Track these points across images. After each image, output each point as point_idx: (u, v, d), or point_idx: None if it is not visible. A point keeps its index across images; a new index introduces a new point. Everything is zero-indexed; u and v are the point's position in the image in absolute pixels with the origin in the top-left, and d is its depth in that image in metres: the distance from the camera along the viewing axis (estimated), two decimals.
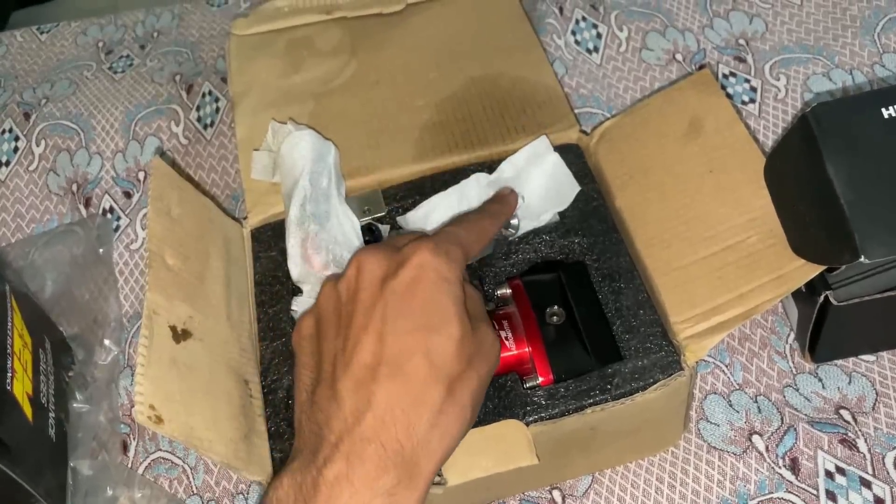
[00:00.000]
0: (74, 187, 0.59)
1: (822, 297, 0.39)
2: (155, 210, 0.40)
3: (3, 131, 0.62)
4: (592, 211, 0.45)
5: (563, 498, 0.42)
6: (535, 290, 0.42)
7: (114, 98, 0.64)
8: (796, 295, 0.43)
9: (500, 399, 0.38)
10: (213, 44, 0.68)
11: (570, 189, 0.46)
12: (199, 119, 0.61)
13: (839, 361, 0.44)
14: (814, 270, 0.37)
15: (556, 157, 0.46)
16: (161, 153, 0.59)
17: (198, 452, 0.36)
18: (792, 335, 0.45)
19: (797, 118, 0.37)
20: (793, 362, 0.45)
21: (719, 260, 0.39)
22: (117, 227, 0.56)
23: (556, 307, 0.41)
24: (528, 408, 0.38)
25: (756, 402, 0.43)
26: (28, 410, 0.42)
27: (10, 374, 0.41)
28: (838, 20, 0.58)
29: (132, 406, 0.48)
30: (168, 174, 0.42)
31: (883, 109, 0.35)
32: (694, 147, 0.43)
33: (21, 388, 0.42)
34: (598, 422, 0.38)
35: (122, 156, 0.60)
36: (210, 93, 0.63)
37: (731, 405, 0.43)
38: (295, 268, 0.43)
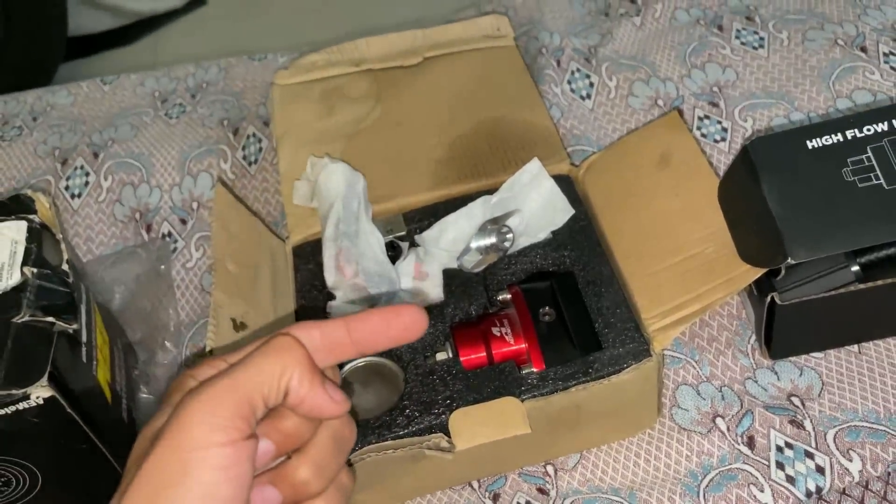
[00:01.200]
0: (137, 215, 0.68)
1: (769, 298, 0.47)
2: (218, 226, 0.49)
3: (76, 168, 0.72)
4: (580, 230, 0.53)
5: (556, 471, 0.49)
6: (531, 294, 0.50)
7: (170, 140, 0.73)
8: (752, 298, 0.51)
9: (500, 382, 0.46)
10: (256, 93, 0.78)
11: (563, 212, 0.54)
12: (244, 157, 0.71)
13: (793, 358, 0.52)
14: (756, 273, 0.45)
15: (551, 183, 0.54)
16: (221, 182, 0.68)
17: None
18: (753, 337, 0.53)
19: (741, 149, 0.46)
20: (753, 359, 0.52)
21: (682, 267, 0.48)
22: (175, 249, 0.65)
23: (548, 308, 0.49)
24: (523, 388, 0.46)
25: (721, 391, 0.51)
26: (108, 395, 0.50)
27: (94, 363, 0.49)
28: (799, 70, 0.67)
29: None
30: (228, 198, 0.51)
31: (808, 142, 0.44)
32: (663, 176, 0.52)
33: (103, 375, 0.50)
34: (582, 400, 0.46)
35: (178, 188, 0.69)
36: (254, 134, 0.72)
37: (699, 394, 0.51)
38: (330, 276, 0.52)
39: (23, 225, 0.49)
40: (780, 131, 0.45)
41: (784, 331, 0.49)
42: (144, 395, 0.56)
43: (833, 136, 0.43)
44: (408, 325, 0.33)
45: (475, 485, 0.50)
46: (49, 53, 1.65)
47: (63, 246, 0.50)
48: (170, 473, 0.28)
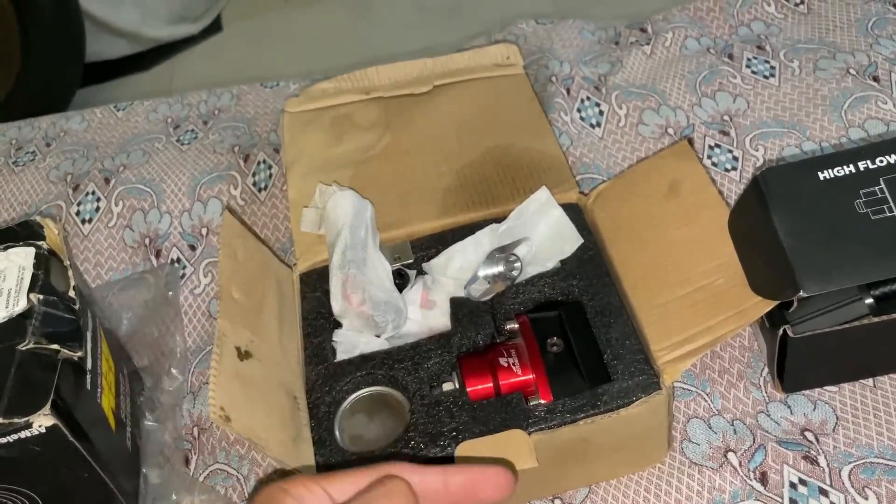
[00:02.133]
0: (147, 241, 0.68)
1: (781, 331, 0.46)
2: (224, 254, 0.48)
3: (87, 193, 0.73)
4: (589, 259, 0.52)
5: None
6: (539, 324, 0.50)
7: (181, 166, 0.74)
8: (764, 330, 0.50)
9: (507, 413, 0.46)
10: (267, 119, 0.78)
11: (572, 241, 0.53)
12: (254, 184, 0.71)
13: (806, 391, 0.51)
14: (768, 305, 0.44)
15: (560, 212, 0.54)
16: (230, 209, 0.68)
17: (255, 448, 0.44)
18: (765, 369, 0.52)
19: (751, 180, 0.45)
20: (766, 392, 0.51)
21: (691, 298, 0.47)
22: (183, 275, 0.65)
23: (555, 338, 0.49)
24: (530, 420, 0.45)
25: (732, 425, 0.50)
26: (112, 422, 0.50)
27: (99, 391, 0.49)
28: (810, 99, 0.67)
29: (194, 425, 0.56)
30: (235, 226, 0.51)
31: (819, 173, 0.43)
32: (672, 205, 0.51)
33: (107, 402, 0.50)
34: (590, 433, 0.45)
35: (189, 214, 0.69)
36: (264, 161, 0.73)
37: (710, 427, 0.50)
38: (336, 304, 0.52)
39: (31, 251, 0.49)
40: (791, 162, 0.44)
41: (797, 364, 0.48)
42: (149, 423, 0.56)
43: (845, 167, 0.42)
44: (501, 485, 0.34)
45: None
46: (66, 80, 1.67)
47: (70, 272, 0.50)
48: None
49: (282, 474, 0.49)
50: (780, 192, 0.43)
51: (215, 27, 1.94)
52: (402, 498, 0.30)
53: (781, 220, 0.42)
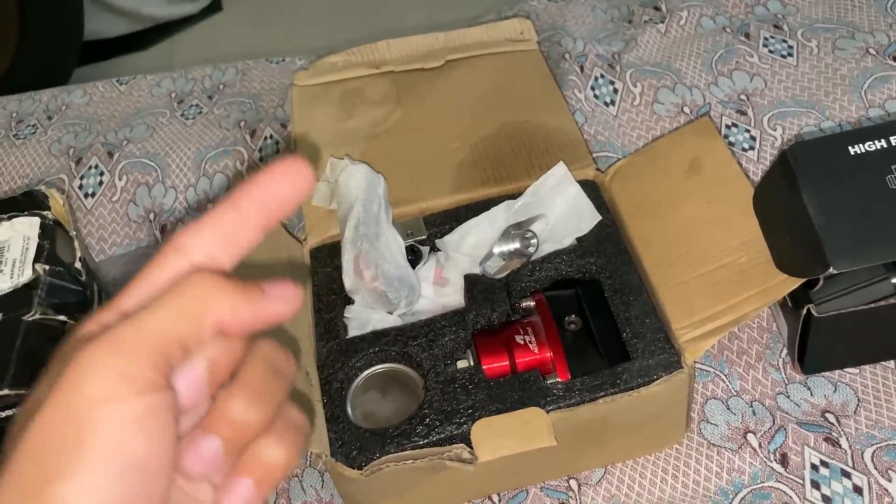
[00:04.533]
0: (151, 216, 0.67)
1: (804, 310, 0.45)
2: None
3: (90, 167, 0.71)
4: (606, 237, 0.51)
5: (579, 486, 0.48)
6: (555, 302, 0.49)
7: (186, 140, 0.72)
8: (786, 311, 0.49)
9: (524, 391, 0.45)
10: (273, 95, 0.76)
11: (589, 218, 0.52)
12: (261, 159, 0.70)
13: (826, 373, 0.50)
14: (794, 283, 0.43)
15: (577, 189, 0.53)
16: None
17: None
18: (784, 350, 0.51)
19: (778, 155, 0.44)
20: (785, 374, 0.50)
21: (714, 276, 0.46)
22: None
23: (573, 316, 0.48)
24: (549, 398, 0.44)
25: (751, 406, 0.49)
26: None
27: None
28: (829, 79, 0.66)
29: None
30: None
31: (850, 147, 0.42)
32: (694, 183, 0.50)
33: None
34: (609, 412, 0.44)
35: (194, 189, 0.68)
36: (271, 136, 0.71)
37: (728, 409, 0.49)
38: (348, 280, 0.50)
39: (35, 221, 0.48)
40: (821, 136, 0.43)
41: (819, 344, 0.47)
42: None
43: (877, 142, 0.41)
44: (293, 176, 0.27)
45: (495, 498, 0.48)
46: (65, 55, 1.65)
47: (76, 243, 0.48)
48: (62, 437, 0.22)
49: None
50: (810, 166, 0.42)
51: (215, 6, 1.92)
52: (208, 284, 0.24)
53: (811, 196, 0.41)
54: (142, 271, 0.26)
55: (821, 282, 0.44)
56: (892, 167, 0.41)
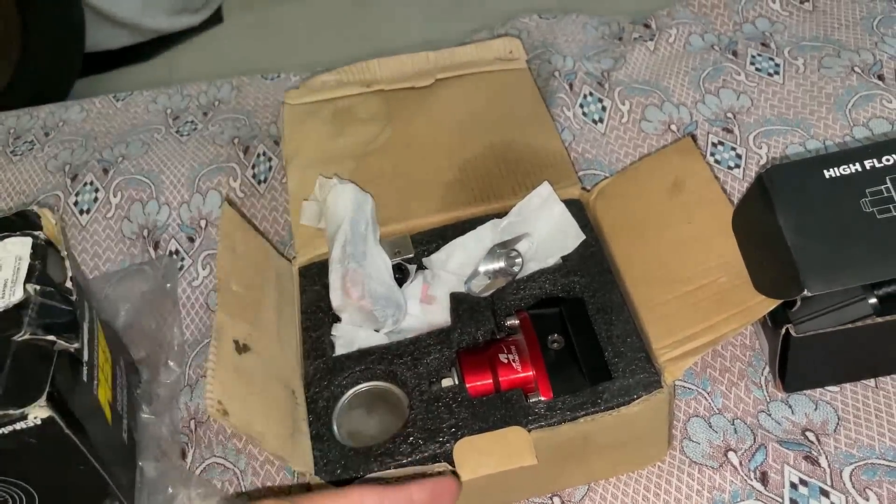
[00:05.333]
0: (145, 232, 0.68)
1: (784, 330, 0.46)
2: (224, 246, 0.48)
3: (86, 184, 0.72)
4: (590, 255, 0.52)
5: (563, 503, 0.48)
6: (539, 321, 0.49)
7: (180, 157, 0.73)
8: (766, 330, 0.49)
9: (507, 410, 0.45)
10: (267, 112, 0.77)
11: (574, 237, 0.53)
12: (254, 176, 0.71)
13: (807, 391, 0.50)
14: (771, 304, 0.44)
15: (562, 208, 0.54)
16: (229, 201, 0.67)
17: (253, 443, 0.43)
18: (767, 368, 0.52)
19: (755, 178, 0.45)
20: (767, 392, 0.51)
21: (694, 297, 0.47)
22: (181, 267, 0.65)
23: (556, 335, 0.48)
24: (530, 417, 0.44)
25: (733, 424, 0.49)
26: (108, 415, 0.50)
27: (95, 382, 0.49)
28: (815, 97, 0.66)
29: (191, 419, 0.56)
30: (234, 218, 0.51)
31: (825, 171, 0.43)
32: (676, 203, 0.51)
33: (104, 394, 0.49)
34: (590, 431, 0.44)
35: (187, 206, 0.69)
36: (264, 153, 0.72)
37: (710, 426, 0.50)
38: (336, 298, 0.51)
39: (28, 241, 0.49)
40: (797, 160, 0.44)
41: (799, 363, 0.48)
42: (146, 415, 0.55)
43: (851, 165, 0.42)
44: (454, 492, 0.39)
45: None
46: (66, 69, 1.67)
47: (67, 263, 0.49)
48: None
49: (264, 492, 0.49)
50: (785, 189, 0.42)
51: (216, 19, 1.93)
52: None
53: (786, 218, 0.42)
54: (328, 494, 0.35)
55: (798, 302, 0.45)
56: (867, 191, 0.42)
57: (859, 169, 0.42)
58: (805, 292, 0.40)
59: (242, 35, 1.90)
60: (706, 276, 0.47)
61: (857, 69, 0.67)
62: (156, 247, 0.67)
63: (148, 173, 0.72)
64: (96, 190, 0.72)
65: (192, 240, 0.67)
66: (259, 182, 0.70)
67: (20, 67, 1.58)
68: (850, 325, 0.45)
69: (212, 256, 0.65)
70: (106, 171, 0.73)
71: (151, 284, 0.63)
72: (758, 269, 0.45)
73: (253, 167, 0.71)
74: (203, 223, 0.68)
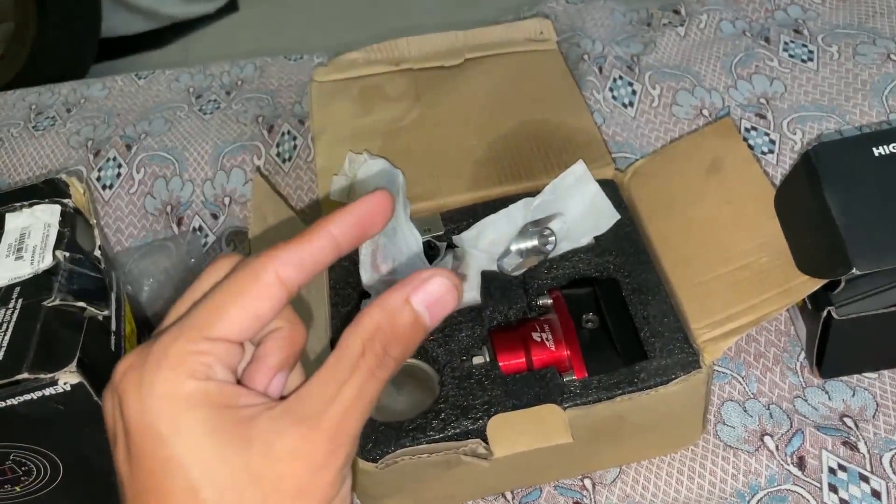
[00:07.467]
0: (169, 209, 0.67)
1: (825, 313, 0.45)
2: (255, 216, 0.47)
3: (108, 160, 0.71)
4: (625, 235, 0.51)
5: (594, 485, 0.47)
6: (573, 300, 0.49)
7: (204, 135, 0.73)
8: (804, 313, 0.49)
9: (541, 388, 0.44)
10: (291, 91, 0.77)
11: (608, 217, 0.52)
12: (278, 154, 0.70)
13: (844, 377, 0.49)
14: (815, 284, 0.43)
15: (596, 188, 0.53)
16: (259, 172, 0.67)
17: None
18: (802, 354, 0.51)
19: (801, 155, 0.44)
20: (802, 377, 0.50)
21: (734, 277, 0.46)
22: (205, 244, 0.64)
23: (591, 314, 0.48)
24: (565, 395, 0.44)
25: (768, 409, 0.49)
26: None
27: (123, 353, 0.48)
28: (850, 84, 0.65)
29: None
30: (265, 188, 0.50)
31: (874, 148, 0.42)
32: (714, 183, 0.50)
33: None
34: (626, 411, 0.44)
35: (211, 183, 0.68)
36: (288, 132, 0.71)
37: (745, 411, 0.49)
38: (365, 274, 0.50)
39: (56, 208, 0.48)
40: (844, 137, 0.43)
41: (838, 348, 0.47)
42: None
43: None
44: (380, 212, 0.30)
45: (508, 496, 0.48)
46: (82, 51, 1.66)
47: (96, 232, 0.48)
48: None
49: None
50: (833, 167, 0.42)
51: (231, 6, 1.93)
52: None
53: (834, 197, 0.41)
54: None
55: (842, 284, 0.44)
56: None
57: None
58: (853, 271, 0.39)
59: (257, 23, 1.90)
60: (746, 256, 0.46)
61: (892, 56, 0.66)
62: (179, 223, 0.66)
63: (171, 150, 0.71)
64: (119, 165, 0.71)
65: (215, 216, 0.66)
66: (283, 161, 0.69)
67: (36, 51, 1.58)
68: (893, 309, 0.44)
69: (235, 233, 0.64)
70: (129, 147, 0.72)
71: (174, 260, 0.63)
72: (802, 248, 0.44)
73: (277, 146, 0.71)
74: (227, 200, 0.67)
